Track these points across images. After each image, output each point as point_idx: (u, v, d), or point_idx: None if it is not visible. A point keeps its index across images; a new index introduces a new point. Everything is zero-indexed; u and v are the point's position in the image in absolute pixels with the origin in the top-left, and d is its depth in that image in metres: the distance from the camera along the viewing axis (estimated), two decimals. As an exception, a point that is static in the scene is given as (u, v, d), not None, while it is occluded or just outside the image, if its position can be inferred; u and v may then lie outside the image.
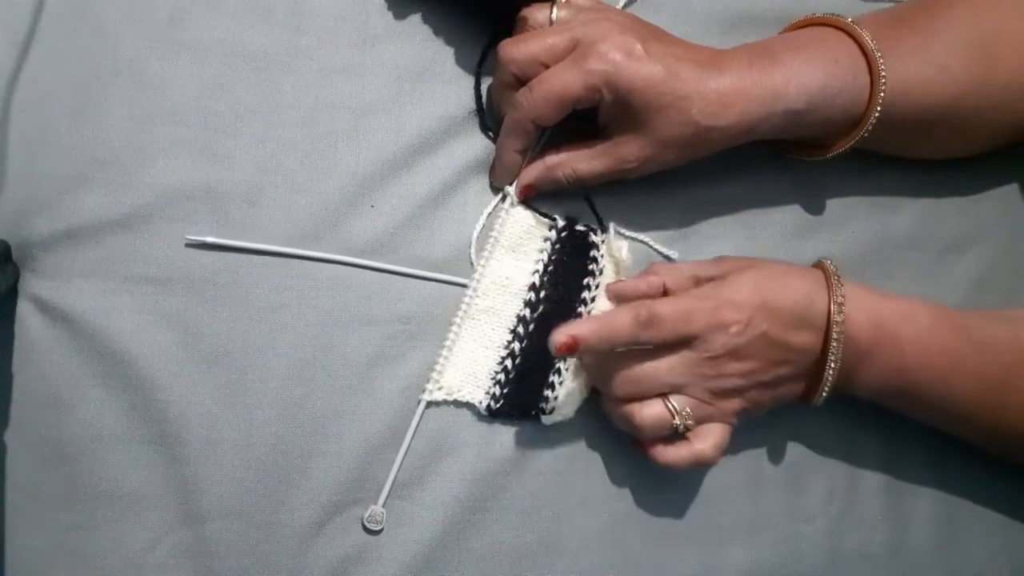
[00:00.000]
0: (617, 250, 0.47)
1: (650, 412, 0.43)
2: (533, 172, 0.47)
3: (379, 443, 0.44)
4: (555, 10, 0.45)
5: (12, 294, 0.42)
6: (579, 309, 0.47)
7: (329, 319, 0.44)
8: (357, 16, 0.47)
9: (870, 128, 0.45)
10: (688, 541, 0.48)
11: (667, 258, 0.49)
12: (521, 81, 0.44)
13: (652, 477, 0.47)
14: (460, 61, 0.49)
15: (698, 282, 0.45)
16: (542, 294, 0.47)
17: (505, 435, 0.46)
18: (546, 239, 0.47)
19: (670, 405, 0.43)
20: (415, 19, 0.48)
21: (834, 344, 0.42)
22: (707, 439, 0.44)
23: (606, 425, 0.46)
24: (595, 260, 0.47)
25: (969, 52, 0.46)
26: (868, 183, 0.52)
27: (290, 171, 0.45)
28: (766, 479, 0.49)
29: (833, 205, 0.52)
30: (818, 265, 0.46)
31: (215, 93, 0.45)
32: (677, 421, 0.43)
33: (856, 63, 0.45)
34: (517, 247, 0.47)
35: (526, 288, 0.47)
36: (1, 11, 0.43)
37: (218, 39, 0.45)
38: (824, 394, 0.44)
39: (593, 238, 0.48)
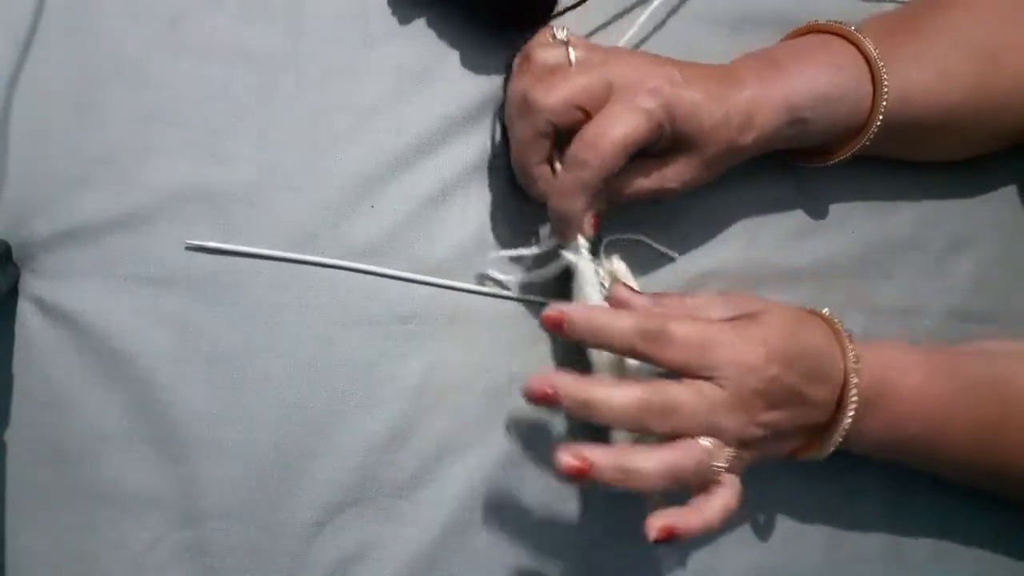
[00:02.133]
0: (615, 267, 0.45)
1: (690, 455, 0.38)
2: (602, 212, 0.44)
3: (379, 443, 0.44)
4: (572, 50, 0.43)
5: (12, 294, 0.42)
6: None
7: (329, 319, 0.44)
8: (357, 16, 0.47)
9: (872, 135, 0.45)
10: (689, 540, 0.48)
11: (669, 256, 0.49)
12: (555, 130, 0.42)
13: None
14: (460, 62, 0.48)
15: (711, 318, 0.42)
16: None
17: (506, 435, 0.46)
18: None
19: (708, 443, 0.38)
20: (415, 20, 0.48)
21: (852, 401, 0.41)
22: (730, 490, 0.39)
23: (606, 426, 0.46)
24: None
25: (970, 56, 0.46)
26: (868, 184, 0.52)
27: (290, 171, 0.45)
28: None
29: (833, 206, 0.52)
30: (812, 312, 0.45)
31: (215, 93, 0.45)
32: (721, 463, 0.38)
33: (859, 70, 0.44)
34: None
35: None
36: (1, 11, 0.43)
37: (218, 39, 0.45)
38: (831, 449, 0.42)
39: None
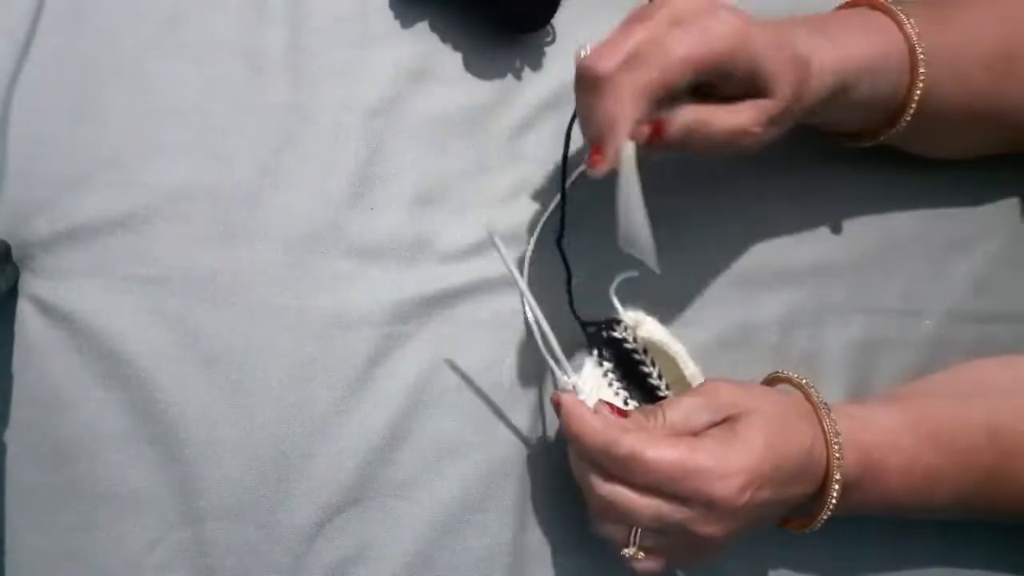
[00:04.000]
0: (645, 331, 0.44)
1: (610, 532, 0.40)
2: (674, 123, 0.39)
3: (379, 443, 0.44)
4: None
5: (12, 294, 0.42)
6: (660, 394, 0.45)
7: (329, 319, 0.44)
8: (357, 16, 0.47)
9: (911, 114, 0.44)
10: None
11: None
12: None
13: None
14: (460, 63, 0.48)
15: (698, 424, 0.40)
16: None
17: (505, 435, 0.46)
18: (605, 374, 0.44)
19: (633, 537, 0.39)
20: (417, 22, 0.48)
21: (833, 494, 0.40)
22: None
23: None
24: (635, 353, 0.44)
25: (988, 53, 0.45)
26: (868, 184, 0.52)
27: (290, 171, 0.45)
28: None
29: (833, 206, 0.52)
30: (783, 380, 0.44)
31: (215, 93, 0.45)
32: (627, 552, 0.39)
33: (898, 45, 0.44)
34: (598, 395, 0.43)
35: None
36: (1, 11, 0.43)
37: (218, 39, 0.45)
38: (818, 527, 0.42)
39: (615, 335, 0.44)
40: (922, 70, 0.44)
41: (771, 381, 0.46)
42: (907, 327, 0.51)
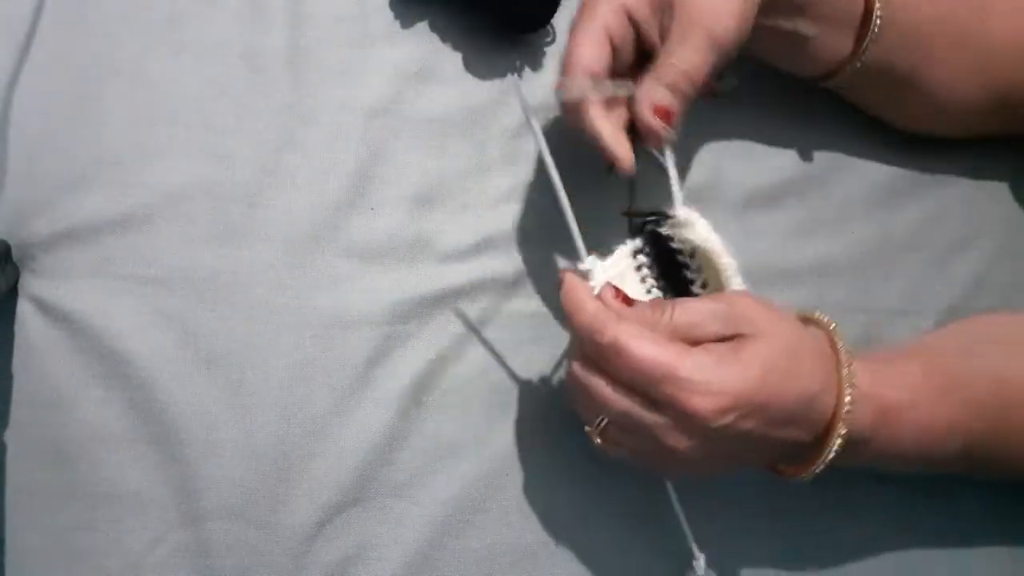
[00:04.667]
0: (696, 233, 0.41)
1: (579, 410, 0.40)
2: (666, 98, 0.41)
3: (379, 443, 0.44)
4: None
5: (12, 294, 0.42)
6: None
7: (329, 319, 0.44)
8: (357, 16, 0.47)
9: (875, 35, 0.44)
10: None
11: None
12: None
13: (655, 479, 0.47)
14: (460, 63, 0.49)
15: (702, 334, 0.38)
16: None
17: (505, 435, 0.46)
18: (638, 268, 0.42)
19: (598, 423, 0.38)
20: (417, 23, 0.48)
21: (835, 445, 0.38)
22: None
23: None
24: (680, 254, 0.41)
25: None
26: (868, 183, 0.52)
27: (290, 171, 0.45)
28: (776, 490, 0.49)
29: (833, 206, 0.52)
30: (811, 321, 0.42)
31: (215, 93, 0.45)
32: (588, 430, 0.39)
33: None
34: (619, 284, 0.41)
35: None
36: (1, 11, 0.43)
37: (218, 39, 0.45)
38: (811, 478, 0.40)
39: (662, 230, 0.41)
40: None
41: (803, 319, 0.43)
42: (907, 327, 0.51)
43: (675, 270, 0.42)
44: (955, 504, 0.51)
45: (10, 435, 0.41)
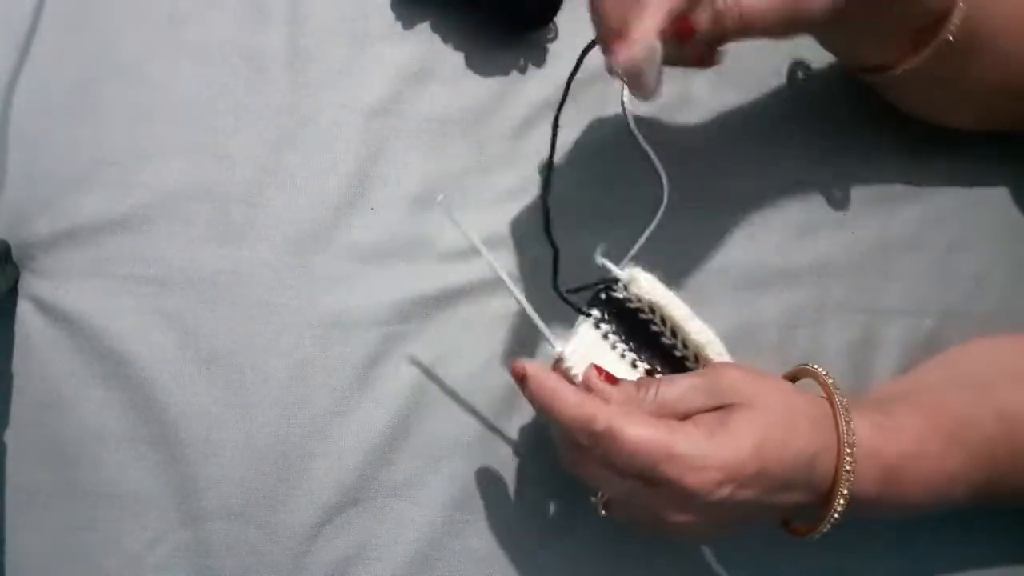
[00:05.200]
0: (642, 289, 0.41)
1: (579, 478, 0.39)
2: (700, 20, 0.38)
3: (379, 443, 0.44)
4: None
5: (12, 294, 0.42)
6: (677, 354, 0.42)
7: (329, 319, 0.44)
8: (357, 16, 0.47)
9: (956, 27, 0.42)
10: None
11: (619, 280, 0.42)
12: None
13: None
14: (460, 63, 0.49)
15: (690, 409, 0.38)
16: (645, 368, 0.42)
17: (505, 435, 0.46)
18: (605, 336, 0.42)
19: (600, 497, 0.39)
20: (418, 24, 0.48)
21: (837, 508, 0.37)
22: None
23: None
24: (641, 312, 0.41)
25: None
26: (868, 183, 0.52)
27: (290, 171, 0.45)
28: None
29: (833, 205, 0.52)
30: (808, 373, 0.41)
31: (215, 93, 0.45)
32: (593, 500, 0.39)
33: None
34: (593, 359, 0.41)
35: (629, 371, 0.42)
36: (1, 11, 0.43)
37: (218, 39, 0.45)
38: (809, 538, 0.39)
39: (616, 295, 0.41)
40: None
41: (798, 373, 0.43)
42: (907, 327, 0.51)
43: (640, 328, 0.42)
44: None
45: (10, 435, 0.42)
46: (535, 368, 0.38)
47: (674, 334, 0.41)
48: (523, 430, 0.46)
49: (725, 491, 0.35)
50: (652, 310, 0.41)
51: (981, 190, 0.54)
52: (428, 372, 0.45)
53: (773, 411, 0.37)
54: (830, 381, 0.40)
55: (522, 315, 0.47)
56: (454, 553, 0.44)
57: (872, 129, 0.52)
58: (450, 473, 0.45)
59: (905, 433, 0.40)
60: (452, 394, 0.45)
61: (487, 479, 0.45)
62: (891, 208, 0.53)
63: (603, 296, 0.41)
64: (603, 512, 0.39)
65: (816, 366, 0.41)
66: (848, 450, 0.37)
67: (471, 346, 0.46)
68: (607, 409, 0.36)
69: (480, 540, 0.45)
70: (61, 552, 0.41)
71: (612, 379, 0.39)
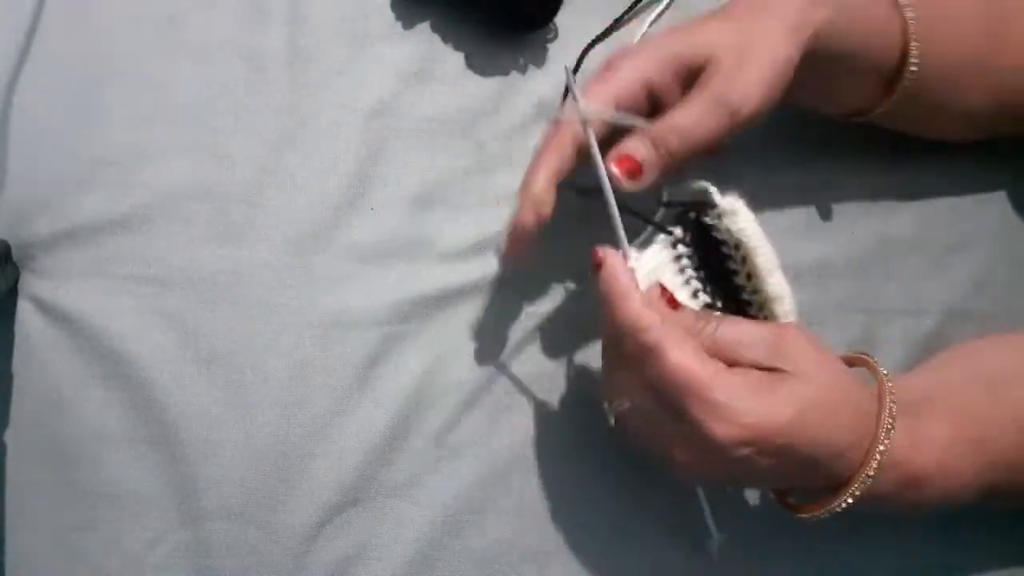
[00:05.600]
0: (738, 224, 0.39)
1: (606, 378, 0.39)
2: (639, 150, 0.39)
3: (379, 443, 0.44)
4: None
5: (12, 294, 0.42)
6: (744, 297, 0.41)
7: (329, 319, 0.44)
8: (357, 16, 0.47)
9: (911, 74, 0.43)
10: (693, 541, 0.48)
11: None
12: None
13: (656, 478, 0.47)
14: (460, 63, 0.49)
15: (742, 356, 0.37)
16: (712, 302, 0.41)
17: (506, 435, 0.46)
18: (677, 258, 0.40)
19: (614, 403, 0.38)
20: (419, 24, 0.48)
21: (842, 503, 0.37)
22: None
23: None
24: (724, 246, 0.40)
25: (984, 16, 0.45)
26: (868, 184, 0.52)
27: (290, 171, 0.45)
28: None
29: (833, 206, 0.52)
30: (863, 363, 0.40)
31: (215, 93, 0.45)
32: (604, 405, 0.38)
33: (889, 11, 0.43)
34: (659, 277, 0.40)
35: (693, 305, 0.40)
36: (1, 11, 0.43)
37: (218, 39, 0.45)
38: (803, 519, 0.39)
39: (706, 220, 0.40)
40: (910, 15, 0.43)
41: (856, 360, 0.41)
42: (907, 327, 0.51)
43: (716, 261, 0.40)
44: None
45: (10, 435, 0.42)
46: (615, 259, 0.37)
47: (748, 277, 0.40)
48: (523, 430, 0.46)
49: (745, 451, 0.35)
50: (737, 247, 0.40)
51: (981, 190, 0.54)
52: (428, 372, 0.45)
53: (822, 392, 0.36)
54: (889, 384, 0.39)
55: (523, 315, 0.47)
56: (454, 553, 0.44)
57: (872, 129, 0.52)
58: (450, 473, 0.45)
59: (933, 444, 0.39)
60: (452, 394, 0.46)
61: (487, 479, 0.45)
62: (891, 208, 0.53)
63: (691, 216, 0.40)
64: (612, 422, 0.38)
65: (877, 360, 0.40)
66: (877, 456, 0.37)
67: (471, 346, 0.46)
68: (664, 327, 0.36)
69: (480, 540, 0.45)
70: (61, 552, 0.41)
71: (674, 302, 0.38)
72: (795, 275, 0.50)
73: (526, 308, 0.47)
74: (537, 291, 0.48)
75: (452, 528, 0.45)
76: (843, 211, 0.52)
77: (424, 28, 0.48)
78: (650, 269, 0.38)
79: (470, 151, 0.48)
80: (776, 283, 0.40)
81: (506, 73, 0.49)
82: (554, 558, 0.46)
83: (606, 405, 0.39)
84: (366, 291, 0.45)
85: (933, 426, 0.39)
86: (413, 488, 0.45)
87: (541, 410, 0.47)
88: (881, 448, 0.37)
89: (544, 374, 0.47)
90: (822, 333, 0.49)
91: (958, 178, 0.53)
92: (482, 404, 0.46)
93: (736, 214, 0.39)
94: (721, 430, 0.35)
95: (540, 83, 0.49)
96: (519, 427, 0.46)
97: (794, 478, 0.38)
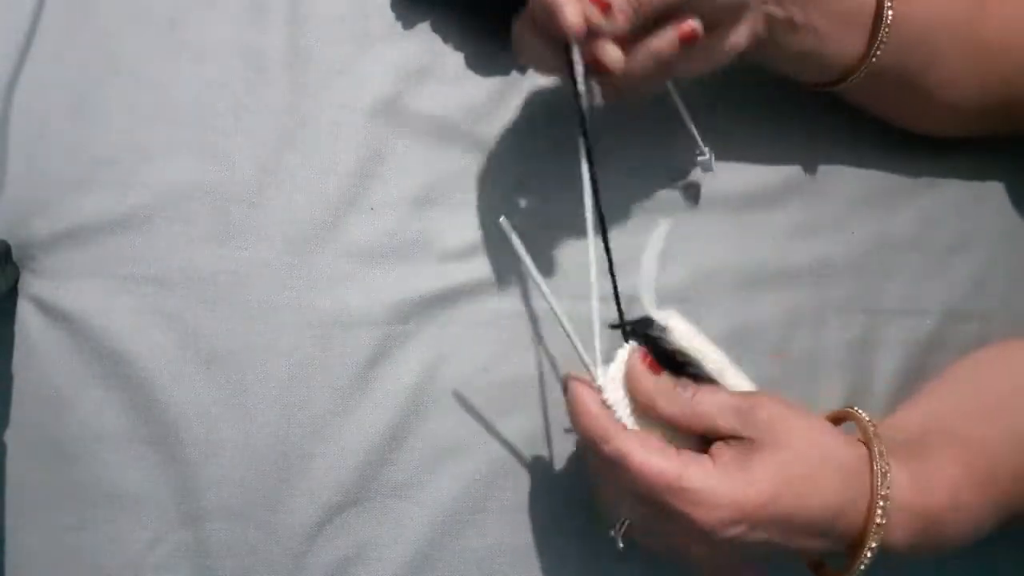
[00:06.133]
0: (676, 338, 0.40)
1: (602, 507, 0.40)
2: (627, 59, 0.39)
3: (379, 443, 0.44)
4: None
5: (12, 294, 0.42)
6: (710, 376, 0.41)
7: (329, 319, 0.44)
8: (357, 16, 0.47)
9: (883, 42, 0.43)
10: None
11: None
12: None
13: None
14: (460, 62, 0.48)
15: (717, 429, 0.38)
16: None
17: (505, 435, 0.46)
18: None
19: (619, 525, 0.39)
20: (419, 24, 0.48)
21: (864, 560, 0.37)
22: None
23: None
24: (678, 354, 0.40)
25: None
26: (867, 183, 0.52)
27: (290, 171, 0.45)
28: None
29: (833, 206, 0.52)
30: (848, 416, 0.41)
31: (215, 93, 0.45)
32: (612, 532, 0.39)
33: None
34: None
35: None
36: (1, 11, 0.43)
37: (218, 39, 0.45)
38: None
39: (651, 333, 0.40)
40: None
41: (842, 415, 0.42)
42: (907, 327, 0.51)
43: (677, 364, 0.41)
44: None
45: (10, 435, 0.42)
46: (575, 382, 0.38)
47: (711, 378, 0.41)
48: (523, 430, 0.46)
49: (736, 530, 0.35)
50: (684, 354, 0.41)
51: (981, 190, 0.54)
52: (428, 372, 0.45)
53: (802, 456, 0.36)
54: (871, 428, 0.39)
55: (523, 315, 0.47)
56: (454, 553, 0.44)
57: (872, 128, 0.52)
58: (450, 473, 0.45)
59: (941, 484, 0.38)
60: (452, 394, 0.46)
61: (487, 479, 0.45)
62: (891, 208, 0.53)
63: (643, 334, 0.40)
64: (621, 544, 0.39)
65: (859, 410, 0.41)
66: (881, 503, 0.36)
67: (471, 346, 0.46)
68: (623, 433, 0.36)
69: (480, 540, 0.45)
70: (61, 552, 0.41)
71: (656, 367, 0.38)
72: (795, 275, 0.50)
73: (526, 308, 0.47)
74: (537, 291, 0.48)
75: (452, 528, 0.45)
76: (843, 211, 0.52)
77: (424, 28, 0.48)
78: (620, 380, 0.39)
79: (470, 151, 0.48)
80: (731, 379, 0.40)
81: (506, 73, 0.49)
82: (554, 559, 0.46)
83: (611, 532, 0.39)
84: (366, 291, 0.45)
85: (939, 465, 0.39)
86: (413, 488, 0.45)
87: (541, 410, 0.47)
88: (883, 493, 0.36)
89: (544, 374, 0.47)
90: (822, 333, 0.50)
91: (958, 177, 0.53)
92: (482, 404, 0.46)
93: (672, 331, 0.40)
94: (703, 515, 0.35)
95: (540, 83, 0.49)
96: (519, 427, 0.46)
97: (804, 546, 0.37)
